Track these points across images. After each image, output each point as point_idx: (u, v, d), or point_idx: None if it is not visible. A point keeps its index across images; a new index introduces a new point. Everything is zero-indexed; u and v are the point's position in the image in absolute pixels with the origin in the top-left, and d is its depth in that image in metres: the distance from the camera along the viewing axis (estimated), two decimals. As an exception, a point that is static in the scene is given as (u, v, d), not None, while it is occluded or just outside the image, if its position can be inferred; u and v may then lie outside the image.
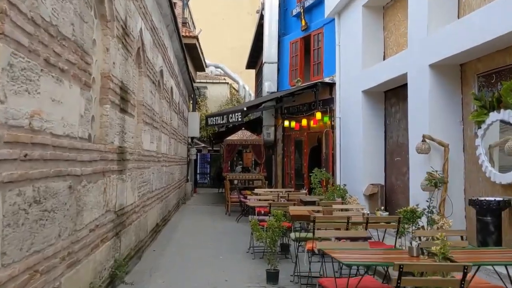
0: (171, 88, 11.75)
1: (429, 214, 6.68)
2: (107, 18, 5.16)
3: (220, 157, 28.81)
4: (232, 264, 7.33)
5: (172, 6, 9.66)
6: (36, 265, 3.18)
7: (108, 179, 5.26)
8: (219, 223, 12.30)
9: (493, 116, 6.49)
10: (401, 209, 6.35)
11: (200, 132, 22.97)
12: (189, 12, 24.84)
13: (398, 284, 3.22)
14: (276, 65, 15.35)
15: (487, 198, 6.14)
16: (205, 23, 27.76)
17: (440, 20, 7.92)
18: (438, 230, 5.50)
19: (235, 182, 14.94)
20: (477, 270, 4.27)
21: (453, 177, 7.50)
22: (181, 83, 15.03)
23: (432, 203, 6.86)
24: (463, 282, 3.19)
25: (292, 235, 6.48)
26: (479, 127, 6.88)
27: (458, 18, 7.80)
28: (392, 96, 10.50)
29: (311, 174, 11.41)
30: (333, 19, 12.72)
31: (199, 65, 23.40)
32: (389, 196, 10.50)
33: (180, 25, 15.33)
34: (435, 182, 6.75)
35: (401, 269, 3.19)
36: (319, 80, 12.80)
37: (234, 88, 32.70)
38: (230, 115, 12.82)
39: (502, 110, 6.29)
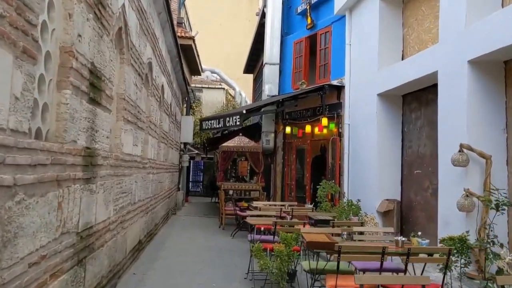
0: (162, 86, 10.35)
1: (488, 245, 5.26)
2: (71, -28, 3.79)
3: (213, 165, 27.39)
4: (228, 297, 5.91)
5: (164, -10, 8.33)
6: None
7: (65, 190, 3.84)
8: (212, 238, 10.85)
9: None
10: (445, 236, 4.98)
11: (193, 138, 21.58)
12: (186, 12, 23.51)
13: None
14: (277, 66, 14.01)
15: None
16: (201, 28, 26.47)
17: (481, 10, 6.62)
18: None
19: (230, 192, 13.51)
20: None
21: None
22: (174, 83, 13.64)
23: (492, 230, 5.44)
24: None
25: (305, 264, 5.06)
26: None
27: (502, 6, 6.51)
28: (412, 100, 9.17)
29: (318, 186, 10.03)
30: (343, 16, 11.44)
31: (195, 69, 22.05)
32: (406, 213, 9.13)
33: (175, 22, 13.98)
34: (497, 204, 5.33)
35: None
36: (326, 83, 11.46)
37: (230, 94, 31.37)
38: (227, 119, 11.44)
39: None
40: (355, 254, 4.24)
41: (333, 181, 11.17)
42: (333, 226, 6.26)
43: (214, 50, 32.55)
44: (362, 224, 6.67)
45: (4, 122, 2.67)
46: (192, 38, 19.22)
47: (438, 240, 6.27)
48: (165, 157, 12.00)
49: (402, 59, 9.42)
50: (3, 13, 2.59)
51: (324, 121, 11.42)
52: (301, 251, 5.77)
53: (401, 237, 4.84)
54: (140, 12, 6.94)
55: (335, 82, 11.49)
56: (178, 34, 15.10)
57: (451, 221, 6.69)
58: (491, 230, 5.48)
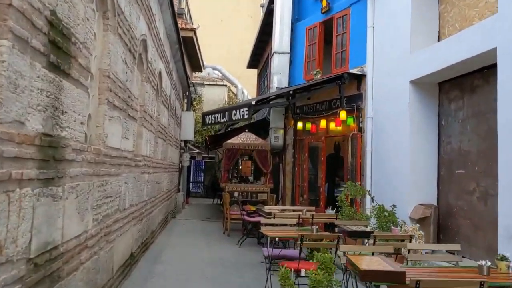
0: (160, 73, 8.94)
1: None
2: None
3: (215, 165, 25.99)
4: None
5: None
6: None
7: (2, 197, 2.44)
8: (217, 247, 9.44)
9: None
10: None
11: (194, 136, 20.20)
12: (187, 3, 22.10)
13: None
14: (288, 56, 12.59)
15: None
16: (202, 25, 25.01)
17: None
18: None
19: (235, 194, 12.11)
20: None
21: None
22: (174, 74, 12.22)
23: None
24: None
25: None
26: None
27: None
28: (451, 88, 7.76)
29: (342, 188, 8.60)
30: (365, -4, 10.04)
31: (196, 64, 20.66)
32: (445, 221, 7.71)
33: (175, 2, 12.57)
34: None
35: None
36: (345, 72, 10.04)
37: (232, 92, 29.96)
38: (234, 112, 10.02)
39: None
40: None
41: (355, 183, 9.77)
42: (374, 241, 4.85)
43: (215, 47, 31.14)
44: (410, 239, 5.25)
45: None
46: (193, 30, 17.82)
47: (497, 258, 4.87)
48: (164, 155, 10.59)
49: (438, 40, 8.04)
50: None
51: (343, 114, 10.02)
52: (344, 277, 4.36)
53: (486, 262, 3.43)
54: (131, -28, 5.54)
55: (355, 71, 10.08)
56: (178, 24, 13.71)
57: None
58: None
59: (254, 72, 26.89)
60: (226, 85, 28.72)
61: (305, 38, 12.20)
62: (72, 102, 3.54)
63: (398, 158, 8.38)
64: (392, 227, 6.13)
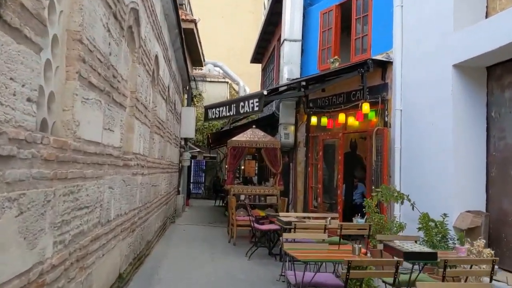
0: (156, 57, 7.57)
1: None
2: None
3: (216, 165, 24.62)
4: None
5: None
6: None
7: None
8: (222, 260, 8.07)
9: None
10: None
11: (194, 135, 18.88)
12: (187, -6, 20.73)
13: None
14: (299, 44, 11.22)
15: None
16: (202, 21, 23.61)
17: None
18: None
19: (242, 197, 10.74)
20: None
21: None
22: (173, 63, 10.86)
23: None
24: None
25: None
26: None
27: None
28: (504, 73, 6.41)
29: (360, 191, 7.29)
30: (390, -28, 8.69)
31: (197, 59, 19.30)
32: (498, 231, 6.35)
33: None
34: None
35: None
36: (368, 58, 8.69)
37: (234, 89, 28.59)
38: (241, 104, 8.64)
39: None
40: None
41: (378, 185, 8.43)
42: (445, 268, 3.49)
43: (216, 44, 29.80)
44: (493, 266, 3.89)
45: None
46: (194, 22, 16.47)
47: None
48: (161, 154, 9.23)
49: (486, 16, 6.70)
50: None
51: (365, 107, 8.67)
52: None
53: None
54: None
55: (380, 57, 8.73)
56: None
57: None
58: None
59: (256, 69, 25.42)
60: (227, 82, 27.35)
61: (319, 24, 10.83)
62: (7, 63, 2.18)
63: (438, 157, 7.03)
64: (457, 246, 4.75)
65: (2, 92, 2.15)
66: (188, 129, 14.20)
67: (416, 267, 4.30)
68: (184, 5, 18.67)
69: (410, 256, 3.86)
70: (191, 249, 8.88)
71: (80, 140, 3.48)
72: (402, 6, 8.32)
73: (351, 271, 3.31)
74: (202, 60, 19.99)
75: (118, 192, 4.98)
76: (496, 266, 4.27)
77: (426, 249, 4.11)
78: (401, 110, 8.22)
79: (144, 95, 6.36)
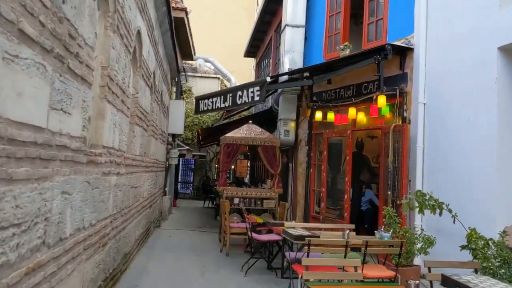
0: (139, 32, 6.23)
1: None
2: None
3: (206, 164, 23.28)
4: None
5: None
6: None
7: None
8: (215, 275, 6.76)
9: None
10: None
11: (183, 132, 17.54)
12: (177, -19, 19.31)
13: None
14: (302, 30, 9.94)
15: None
16: (193, 16, 22.17)
17: None
18: None
19: (236, 201, 9.43)
20: None
21: None
22: (160, 47, 9.50)
23: None
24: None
25: None
26: None
27: None
28: None
29: (408, 198, 6.01)
30: None
31: (187, 52, 17.90)
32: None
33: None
34: None
35: None
36: (386, 43, 7.45)
37: (225, 86, 27.26)
38: (239, 94, 7.31)
39: None
40: None
41: (395, 191, 7.23)
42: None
43: (207, 40, 28.49)
44: None
45: None
46: (185, 11, 15.10)
47: None
48: (144, 150, 7.89)
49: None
50: None
51: (381, 100, 7.44)
52: None
53: None
54: None
55: (399, 43, 7.51)
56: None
57: None
58: None
59: (247, 67, 24.18)
60: (219, 78, 26.04)
61: (326, 7, 9.57)
62: None
63: (475, 158, 5.81)
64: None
65: None
66: (177, 124, 12.85)
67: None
68: (174, -7, 17.34)
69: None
70: (178, 261, 7.56)
71: (4, 122, 2.16)
72: (427, -17, 7.10)
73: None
74: (193, 53, 18.60)
75: (79, 198, 3.65)
76: None
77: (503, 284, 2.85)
78: (424, 103, 7.00)
79: (121, 76, 5.02)
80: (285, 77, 9.20)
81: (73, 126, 3.30)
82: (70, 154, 3.28)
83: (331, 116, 8.82)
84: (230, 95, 7.62)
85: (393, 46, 7.31)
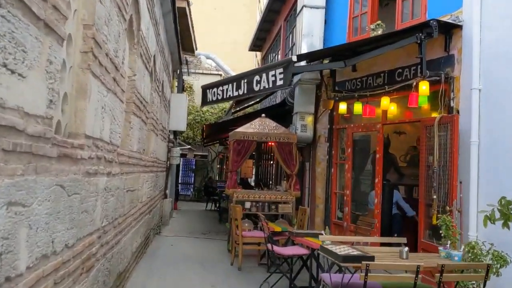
0: (137, 2, 4.98)
1: None
2: None
3: (207, 164, 22.03)
4: None
5: None
6: None
7: None
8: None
9: None
10: None
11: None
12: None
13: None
14: (322, 11, 8.70)
15: None
16: (193, 12, 20.91)
17: None
18: None
19: (247, 205, 8.19)
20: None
21: None
22: (162, 31, 8.25)
23: None
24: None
25: None
26: None
27: None
28: None
29: (492, 206, 4.81)
30: None
31: (188, 47, 16.72)
32: None
33: None
34: None
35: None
36: (431, 19, 6.21)
37: (227, 83, 26.07)
38: (257, 78, 6.01)
39: None
40: None
41: (444, 198, 6.00)
42: None
43: (208, 37, 27.31)
44: None
45: None
46: (187, 0, 13.86)
47: None
48: (143, 146, 6.63)
49: None
50: None
51: (424, 87, 6.23)
52: None
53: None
54: None
55: (445, 19, 6.28)
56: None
57: None
58: None
59: (249, 65, 22.86)
60: (221, 75, 24.81)
61: (350, -15, 8.35)
62: None
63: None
64: None
65: None
66: (179, 120, 11.60)
67: None
68: (175, -18, 16.11)
69: None
70: (182, 279, 6.30)
71: None
72: None
73: None
74: (194, 47, 17.39)
75: (45, 210, 2.40)
76: None
77: None
78: (479, 90, 5.76)
79: (112, 45, 3.77)
80: (303, 63, 7.94)
81: (29, 98, 2.06)
82: (24, 142, 2.03)
83: (358, 107, 7.59)
84: (245, 81, 6.34)
85: (438, 22, 6.09)
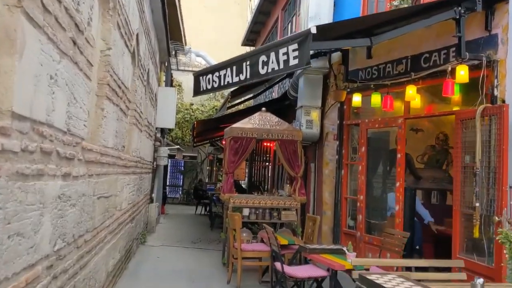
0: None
1: None
2: None
3: (197, 166, 20.79)
4: None
5: None
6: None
7: None
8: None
9: None
10: None
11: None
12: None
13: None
14: (331, -7, 7.58)
15: None
16: (183, 10, 19.60)
17: None
18: None
19: (246, 212, 7.00)
20: None
21: None
22: (147, 12, 7.04)
23: None
24: None
25: None
26: None
27: None
28: None
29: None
30: None
31: (178, 38, 15.51)
32: None
33: None
34: None
35: None
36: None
37: (217, 81, 24.84)
38: (263, 59, 4.76)
39: None
40: None
41: (489, 206, 4.90)
42: None
43: (198, 35, 26.13)
44: None
45: None
46: (176, -10, 12.62)
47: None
48: (123, 142, 5.40)
49: None
50: None
51: (462, 72, 5.14)
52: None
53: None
54: None
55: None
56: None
57: None
58: None
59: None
60: (211, 73, 23.59)
61: (364, -40, 7.23)
62: None
63: None
64: None
65: None
66: (167, 116, 10.36)
67: None
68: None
69: None
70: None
71: None
72: None
73: None
74: (184, 42, 16.20)
75: None
76: None
77: None
78: (536, 74, 4.68)
79: (84, 14, 2.56)
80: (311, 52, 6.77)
81: None
82: None
83: (376, 99, 6.46)
84: (248, 63, 5.11)
85: (479, -5, 5.00)
